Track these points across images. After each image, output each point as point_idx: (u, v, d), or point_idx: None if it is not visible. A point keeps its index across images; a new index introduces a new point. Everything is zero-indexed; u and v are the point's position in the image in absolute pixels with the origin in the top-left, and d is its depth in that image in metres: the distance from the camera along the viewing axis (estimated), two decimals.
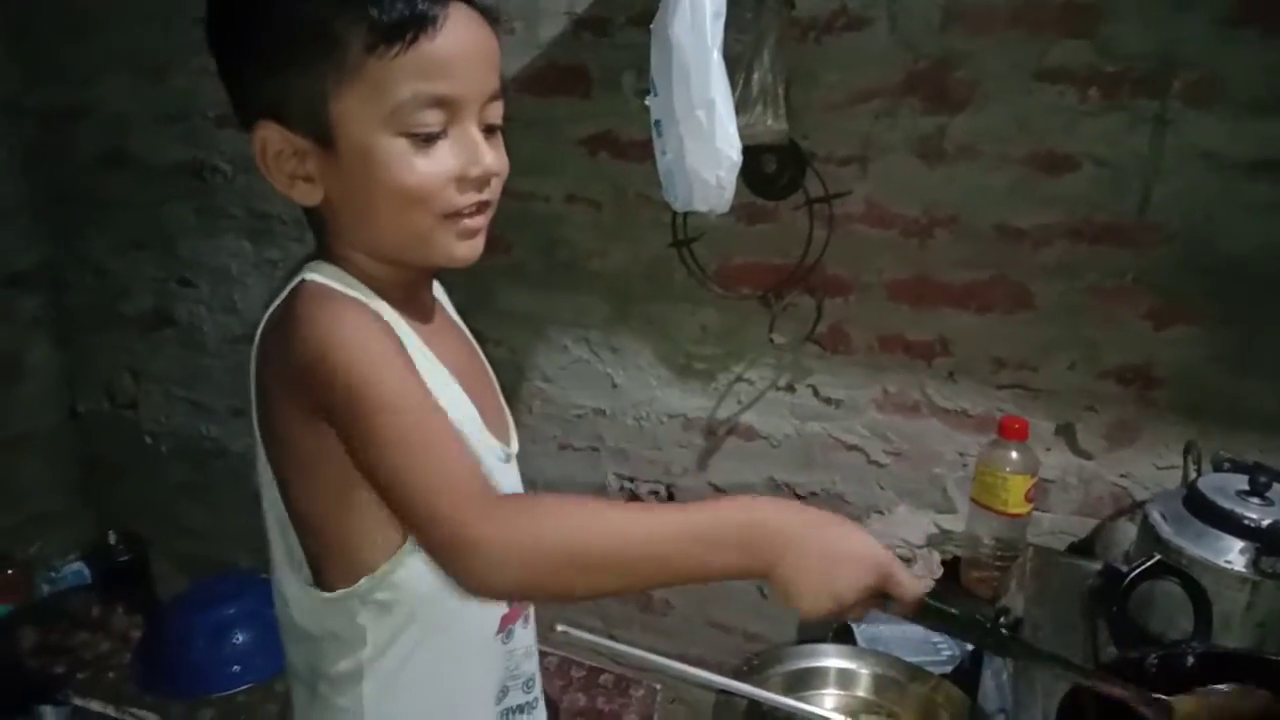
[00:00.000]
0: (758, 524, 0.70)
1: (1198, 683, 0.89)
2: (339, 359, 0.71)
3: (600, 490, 1.89)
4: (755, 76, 1.33)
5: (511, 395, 1.02)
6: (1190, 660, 0.91)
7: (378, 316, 0.77)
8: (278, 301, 0.79)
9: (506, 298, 1.82)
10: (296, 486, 0.78)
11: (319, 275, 0.79)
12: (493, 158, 0.79)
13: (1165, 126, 1.35)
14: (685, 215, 1.55)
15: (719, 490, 1.80)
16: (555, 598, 0.77)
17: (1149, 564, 1.03)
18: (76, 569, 2.42)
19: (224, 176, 2.08)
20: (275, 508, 0.81)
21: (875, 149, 1.51)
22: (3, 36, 2.22)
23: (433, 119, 0.75)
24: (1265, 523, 1.03)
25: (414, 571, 0.79)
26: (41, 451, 2.46)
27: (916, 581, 0.74)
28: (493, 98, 0.79)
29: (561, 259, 1.79)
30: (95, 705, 1.99)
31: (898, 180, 1.51)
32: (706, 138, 1.23)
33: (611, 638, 1.44)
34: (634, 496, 1.87)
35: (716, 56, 1.20)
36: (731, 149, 1.24)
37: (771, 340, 1.64)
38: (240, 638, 2.03)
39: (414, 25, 0.72)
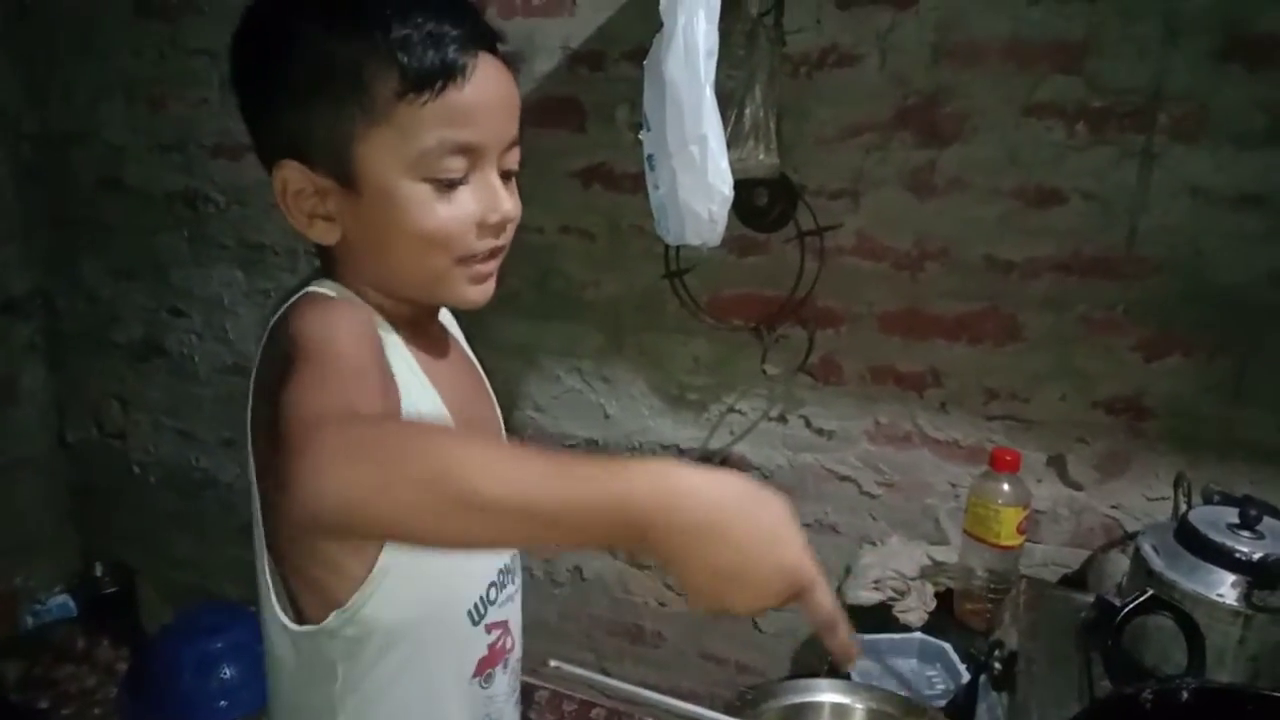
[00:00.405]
0: (655, 515, 0.56)
1: (1194, 719, 0.88)
2: (303, 343, 0.69)
3: None
4: (747, 112, 1.35)
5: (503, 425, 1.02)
6: (1185, 695, 0.91)
7: (368, 321, 0.77)
8: (279, 314, 0.79)
9: (500, 328, 1.83)
10: (273, 516, 0.77)
11: (323, 288, 0.80)
12: (511, 204, 0.80)
13: (1152, 160, 1.36)
14: (678, 247, 1.56)
15: None
16: (391, 531, 0.59)
17: (1142, 599, 1.03)
18: (62, 601, 2.41)
19: (216, 206, 2.08)
20: (260, 538, 0.80)
21: (866, 182, 1.52)
22: (4, 62, 2.23)
23: (456, 166, 0.75)
24: (1256, 556, 1.03)
25: (381, 606, 0.78)
26: (32, 479, 2.44)
27: (832, 606, 0.62)
28: (512, 144, 0.80)
29: (555, 289, 1.80)
30: None
31: (889, 213, 1.52)
32: (699, 172, 1.24)
33: (604, 672, 1.42)
34: None
35: (709, 93, 1.21)
36: (723, 184, 1.25)
37: (764, 371, 1.64)
38: (228, 671, 2.01)
39: (444, 75, 0.72)
